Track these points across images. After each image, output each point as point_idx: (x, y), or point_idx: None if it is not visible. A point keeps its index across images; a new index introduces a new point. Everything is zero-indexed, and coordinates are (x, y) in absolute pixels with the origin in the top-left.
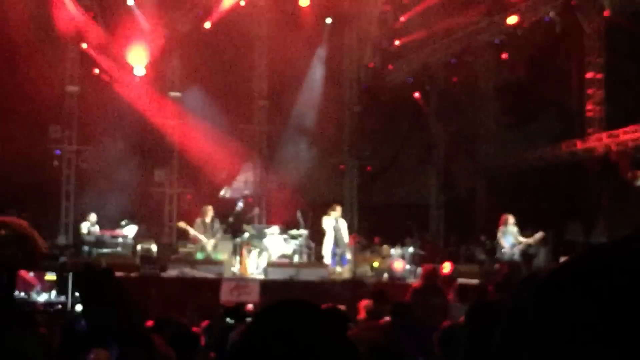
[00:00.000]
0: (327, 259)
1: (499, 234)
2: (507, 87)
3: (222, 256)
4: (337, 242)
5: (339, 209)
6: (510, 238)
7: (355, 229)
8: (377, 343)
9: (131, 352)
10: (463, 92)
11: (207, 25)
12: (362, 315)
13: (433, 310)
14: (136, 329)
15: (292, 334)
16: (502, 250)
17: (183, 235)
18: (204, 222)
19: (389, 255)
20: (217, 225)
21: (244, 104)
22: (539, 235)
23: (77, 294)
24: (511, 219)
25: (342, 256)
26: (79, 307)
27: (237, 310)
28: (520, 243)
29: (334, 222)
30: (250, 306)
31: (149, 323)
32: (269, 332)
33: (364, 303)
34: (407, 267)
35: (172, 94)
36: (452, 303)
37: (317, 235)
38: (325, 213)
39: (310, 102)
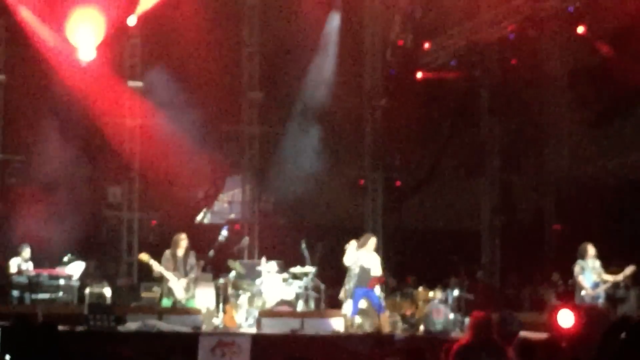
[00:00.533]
0: (347, 306)
1: (576, 271)
2: (584, 72)
3: (200, 303)
4: (362, 284)
5: (372, 240)
6: (592, 275)
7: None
8: None
9: None
10: (525, 79)
11: None
12: None
13: None
14: None
15: None
16: (582, 292)
17: (147, 273)
18: (174, 256)
19: (427, 301)
20: (192, 260)
21: (228, 97)
22: (629, 270)
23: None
24: (592, 250)
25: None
26: None
27: None
28: (605, 282)
29: (363, 257)
30: None
31: None
32: None
33: None
34: (451, 316)
35: (132, 83)
36: None
37: (328, 273)
38: (344, 245)
39: (318, 93)
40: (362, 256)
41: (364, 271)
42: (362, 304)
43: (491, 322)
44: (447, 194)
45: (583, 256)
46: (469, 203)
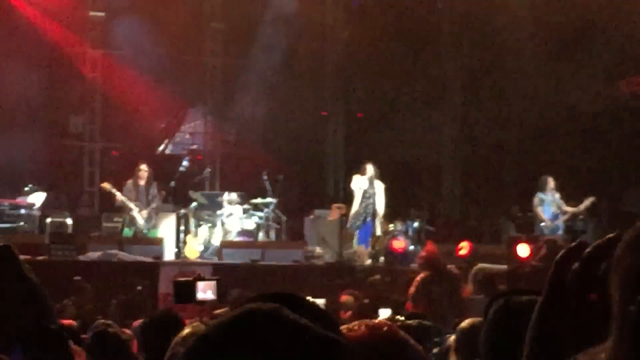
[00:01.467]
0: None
1: (536, 202)
2: (548, 4)
3: (161, 233)
4: (370, 213)
5: (370, 168)
6: (551, 208)
7: (340, 197)
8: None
9: (39, 358)
10: (487, 11)
11: None
12: (347, 312)
13: (444, 305)
14: (47, 325)
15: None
16: (541, 224)
17: (108, 203)
18: (136, 186)
19: (387, 232)
20: (154, 190)
21: (191, 28)
22: (588, 201)
23: None
24: (551, 182)
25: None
26: None
27: (190, 288)
28: (564, 213)
29: (366, 185)
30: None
31: (64, 323)
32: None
33: (345, 297)
34: (412, 247)
35: (94, 14)
36: (472, 295)
37: (289, 205)
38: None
39: (280, 24)
40: (366, 184)
41: (369, 198)
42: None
43: (438, 256)
44: (408, 127)
45: (542, 188)
46: (430, 136)
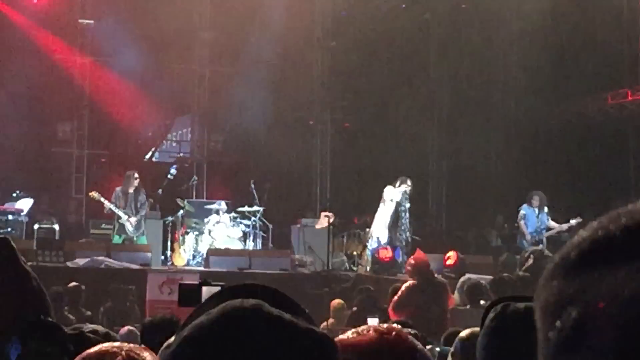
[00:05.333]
0: (374, 243)
1: (520, 216)
2: (535, 18)
3: (148, 240)
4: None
5: (407, 183)
6: (535, 222)
7: (327, 205)
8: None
9: (37, 350)
10: (475, 23)
11: None
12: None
13: (428, 314)
14: (45, 318)
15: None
16: (522, 239)
17: (96, 211)
18: (125, 193)
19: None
20: (143, 197)
21: (179, 37)
22: (574, 221)
23: None
24: (538, 199)
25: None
26: None
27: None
28: (548, 229)
29: (398, 197)
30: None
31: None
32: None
33: (335, 303)
34: (398, 258)
35: (83, 22)
36: (458, 306)
37: (275, 213)
38: (292, 186)
39: (268, 34)
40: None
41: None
42: None
43: (427, 263)
44: (395, 137)
45: (529, 203)
46: (416, 145)
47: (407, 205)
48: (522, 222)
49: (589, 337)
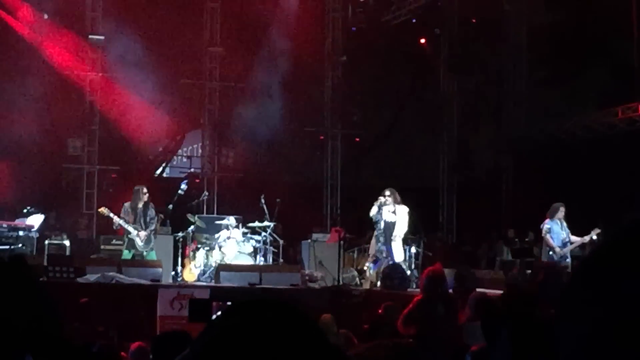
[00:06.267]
0: (399, 257)
1: (545, 230)
2: (543, 31)
3: (159, 255)
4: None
5: (385, 194)
6: (560, 235)
7: (338, 220)
8: None
9: None
10: (484, 37)
11: None
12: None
13: (442, 329)
14: (58, 335)
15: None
16: (549, 252)
17: (107, 227)
18: (134, 208)
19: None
20: (152, 212)
21: (190, 52)
22: (594, 233)
23: None
24: (562, 211)
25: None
26: None
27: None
28: (571, 243)
29: (374, 211)
30: None
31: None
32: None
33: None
34: (409, 272)
35: (93, 37)
36: (468, 320)
37: (286, 229)
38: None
39: (279, 49)
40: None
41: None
42: None
43: (445, 277)
44: (405, 151)
45: (552, 216)
46: (427, 160)
47: (381, 216)
48: (547, 236)
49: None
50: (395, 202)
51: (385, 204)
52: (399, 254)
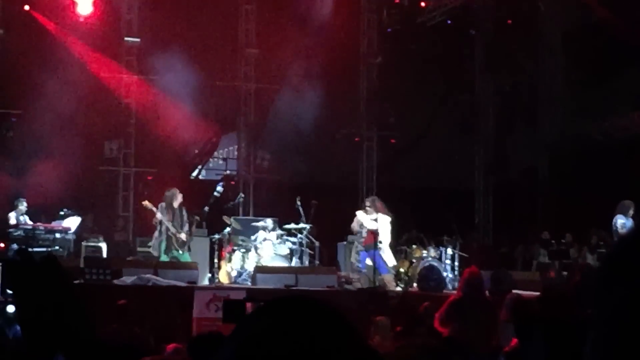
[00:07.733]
0: (391, 262)
1: (618, 226)
2: (580, 32)
3: (195, 257)
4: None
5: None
6: None
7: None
8: None
9: None
10: (520, 38)
11: None
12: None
13: (478, 329)
14: (90, 336)
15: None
16: None
17: (143, 229)
18: (171, 207)
19: (420, 258)
20: (185, 214)
21: (225, 53)
22: None
23: (8, 290)
24: (633, 206)
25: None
26: (11, 308)
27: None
28: None
29: (367, 221)
30: None
31: None
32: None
33: (379, 319)
34: (445, 274)
35: (129, 39)
36: (504, 320)
37: (322, 231)
38: (338, 202)
39: (314, 50)
40: (366, 219)
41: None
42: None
43: (482, 279)
44: (441, 153)
45: (625, 212)
46: (463, 162)
47: (363, 226)
48: (624, 232)
49: None
50: (376, 210)
51: (367, 213)
52: (389, 259)
